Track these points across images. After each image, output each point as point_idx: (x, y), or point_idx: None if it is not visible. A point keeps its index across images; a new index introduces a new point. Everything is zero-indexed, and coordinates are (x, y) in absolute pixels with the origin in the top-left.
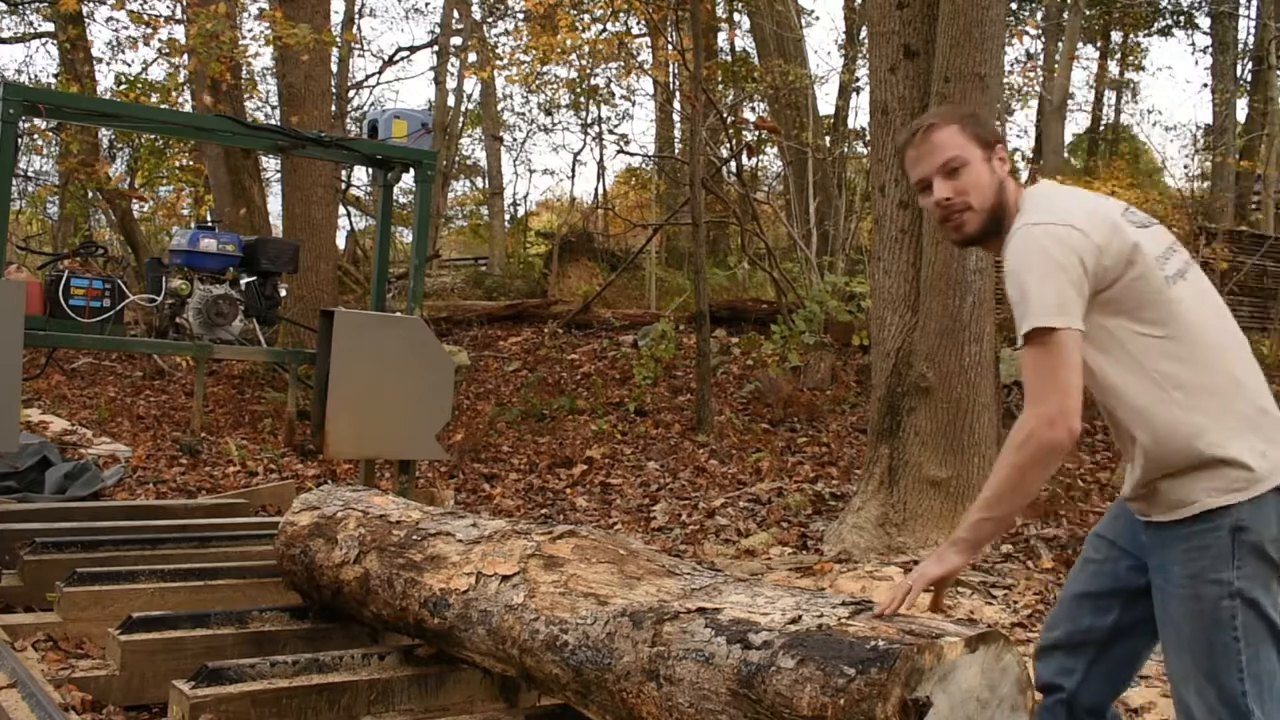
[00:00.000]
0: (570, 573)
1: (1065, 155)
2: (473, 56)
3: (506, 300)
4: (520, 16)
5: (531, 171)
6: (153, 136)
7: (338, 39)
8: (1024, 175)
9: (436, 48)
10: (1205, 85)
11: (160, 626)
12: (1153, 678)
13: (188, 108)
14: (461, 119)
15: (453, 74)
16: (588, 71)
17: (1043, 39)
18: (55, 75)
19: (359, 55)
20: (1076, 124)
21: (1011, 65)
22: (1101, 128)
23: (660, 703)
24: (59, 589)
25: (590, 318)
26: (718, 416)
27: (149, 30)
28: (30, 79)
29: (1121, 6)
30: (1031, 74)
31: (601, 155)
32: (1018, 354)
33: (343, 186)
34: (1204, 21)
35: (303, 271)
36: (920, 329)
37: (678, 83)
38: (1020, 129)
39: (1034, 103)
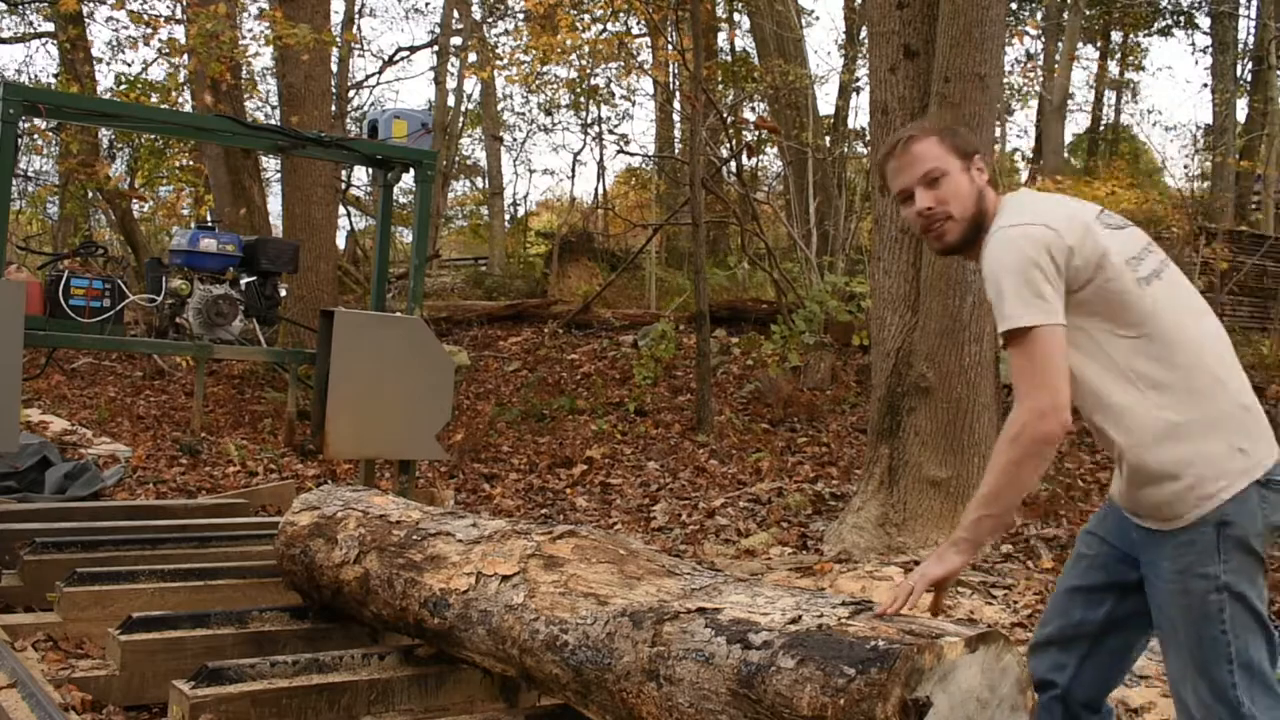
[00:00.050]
0: (570, 573)
1: (1065, 155)
2: (473, 56)
3: (506, 300)
4: (520, 16)
5: (531, 171)
6: (153, 136)
7: (338, 39)
8: (1024, 175)
9: (436, 48)
10: (1205, 85)
11: (160, 626)
12: (1153, 678)
13: (188, 108)
14: (461, 119)
15: (453, 74)
16: (588, 71)
17: (1043, 39)
18: (55, 75)
19: (359, 55)
20: (1076, 124)
21: (1011, 65)
22: (1101, 128)
23: (660, 703)
24: (59, 589)
25: (590, 318)
26: (718, 416)
27: (149, 30)
28: (30, 79)
29: (1121, 6)
30: (1031, 74)
31: (601, 155)
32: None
33: (343, 186)
34: (1204, 21)
35: (303, 271)
36: (920, 329)
37: (678, 83)
38: (1020, 129)
39: (1034, 103)
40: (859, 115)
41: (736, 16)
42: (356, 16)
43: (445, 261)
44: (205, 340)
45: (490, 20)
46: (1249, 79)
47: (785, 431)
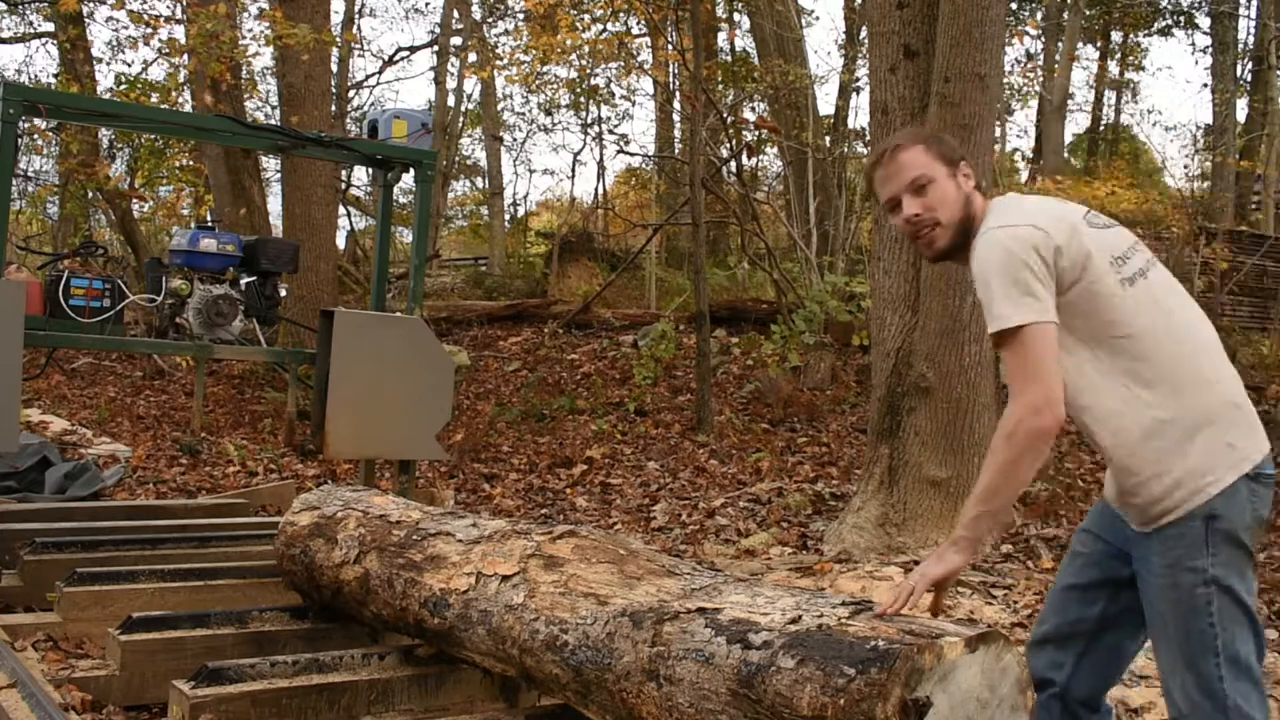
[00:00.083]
0: (570, 573)
1: (1065, 155)
2: (473, 56)
3: (506, 300)
4: (520, 16)
5: (531, 171)
6: (153, 136)
7: (338, 39)
8: (1024, 175)
9: (436, 48)
10: (1205, 85)
11: (160, 626)
12: (1152, 678)
13: (188, 108)
14: (461, 119)
15: (453, 74)
16: (588, 71)
17: (1043, 39)
18: (55, 75)
19: (359, 55)
20: (1076, 124)
21: (1011, 65)
22: (1101, 128)
23: (660, 703)
24: (59, 589)
25: (590, 318)
26: (718, 416)
27: (149, 30)
28: (30, 79)
29: (1121, 6)
30: (1031, 74)
31: (601, 155)
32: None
33: (343, 186)
34: (1204, 21)
35: (303, 271)
36: (920, 329)
37: (678, 83)
38: (1020, 129)
39: (1034, 103)
40: (859, 115)
41: (736, 16)
42: (356, 16)
43: (445, 261)
44: (205, 340)
45: (490, 20)
46: (1249, 79)
47: (785, 431)
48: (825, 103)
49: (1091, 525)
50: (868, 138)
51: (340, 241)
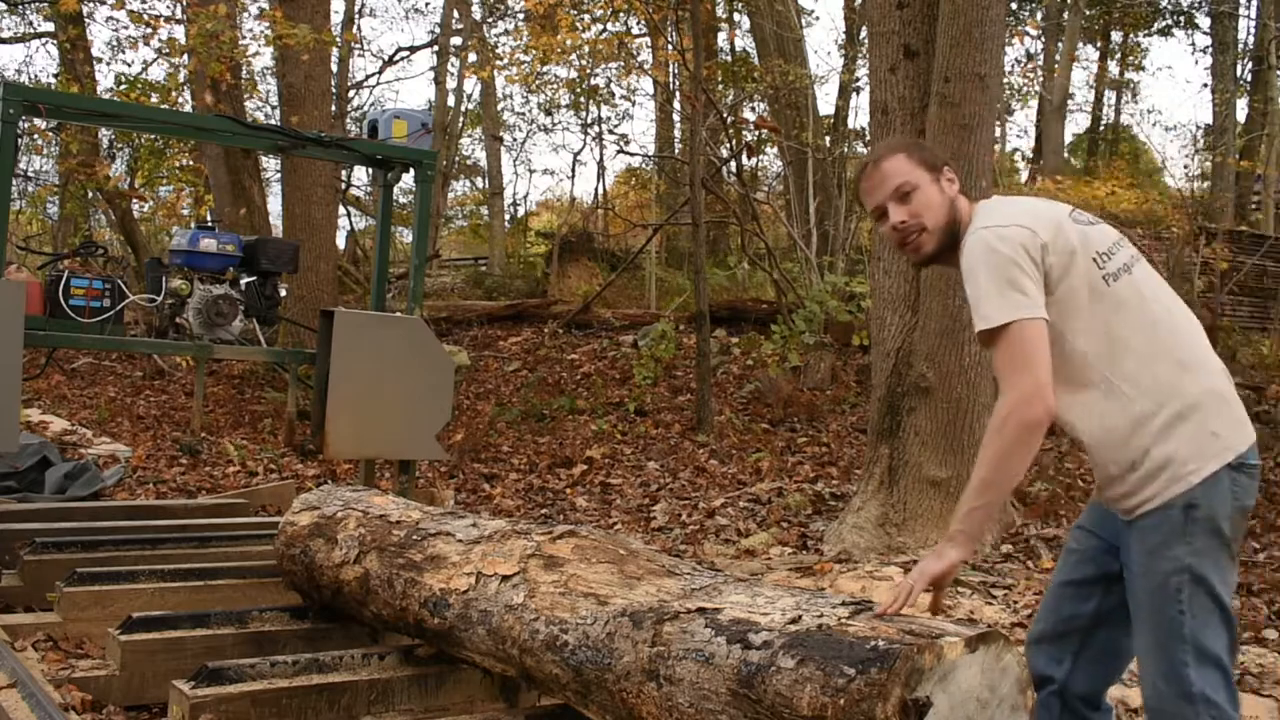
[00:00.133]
0: (570, 573)
1: (1065, 155)
2: (473, 56)
3: (506, 300)
4: (520, 16)
5: (531, 171)
6: (153, 136)
7: (338, 39)
8: (1024, 175)
9: (436, 48)
10: (1205, 85)
11: (160, 626)
12: None
13: (188, 108)
14: (461, 119)
15: (453, 74)
16: (588, 71)
17: (1043, 39)
18: (55, 75)
19: (359, 55)
20: (1076, 124)
21: (1011, 65)
22: (1101, 128)
23: (660, 703)
24: (59, 589)
25: (590, 318)
26: (718, 416)
27: (149, 30)
28: (30, 79)
29: (1121, 6)
30: (1031, 74)
31: (601, 155)
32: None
33: (343, 186)
34: (1204, 21)
35: (303, 271)
36: (920, 329)
37: (678, 83)
38: (1020, 129)
39: (1034, 103)
40: (859, 115)
41: (736, 16)
42: (356, 16)
43: (445, 261)
44: (205, 340)
45: (490, 20)
46: (1249, 79)
47: (785, 431)
48: (825, 103)
49: (1085, 521)
50: (868, 138)
51: (340, 241)
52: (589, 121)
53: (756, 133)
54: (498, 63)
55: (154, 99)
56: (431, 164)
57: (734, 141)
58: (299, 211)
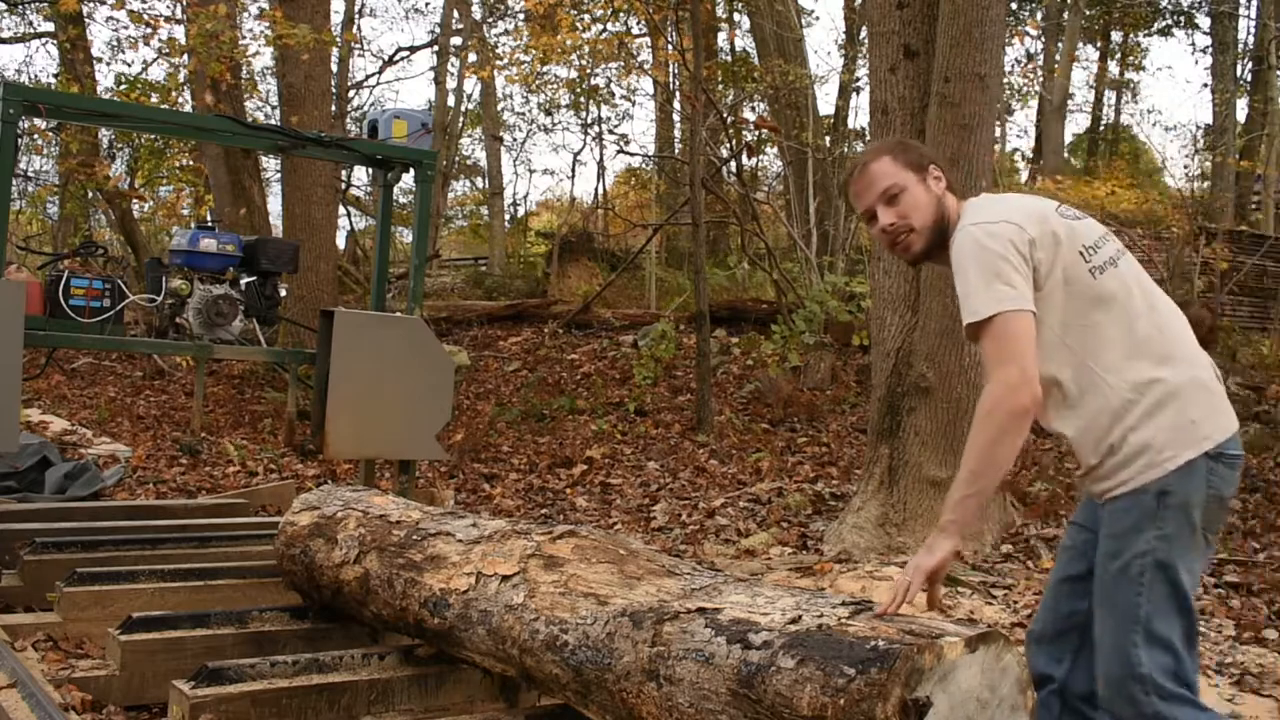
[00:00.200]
0: (570, 573)
1: (1065, 155)
2: (473, 56)
3: (506, 300)
4: (520, 16)
5: (531, 171)
6: (153, 136)
7: (338, 39)
8: (1024, 175)
9: (436, 48)
10: (1205, 85)
11: (160, 626)
12: None
13: (188, 108)
14: (461, 119)
15: (453, 74)
16: (588, 71)
17: (1043, 39)
18: (55, 75)
19: (359, 55)
20: (1076, 124)
21: (1011, 65)
22: (1101, 128)
23: (660, 703)
24: (59, 589)
25: (590, 318)
26: (718, 416)
27: (149, 30)
28: (30, 79)
29: (1121, 6)
30: (1031, 74)
31: (601, 155)
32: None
33: (343, 186)
34: (1204, 21)
35: (303, 271)
36: (920, 329)
37: (678, 83)
38: (1020, 129)
39: (1034, 103)
40: (859, 115)
41: (736, 16)
42: (356, 16)
43: (445, 261)
44: (205, 340)
45: (490, 20)
46: (1249, 79)
47: (785, 431)
48: (825, 103)
49: (1079, 517)
50: (868, 138)
51: (340, 241)
52: (589, 121)
53: (756, 133)
54: (498, 63)
55: (154, 99)
56: (431, 164)
57: (734, 141)
58: (299, 211)
